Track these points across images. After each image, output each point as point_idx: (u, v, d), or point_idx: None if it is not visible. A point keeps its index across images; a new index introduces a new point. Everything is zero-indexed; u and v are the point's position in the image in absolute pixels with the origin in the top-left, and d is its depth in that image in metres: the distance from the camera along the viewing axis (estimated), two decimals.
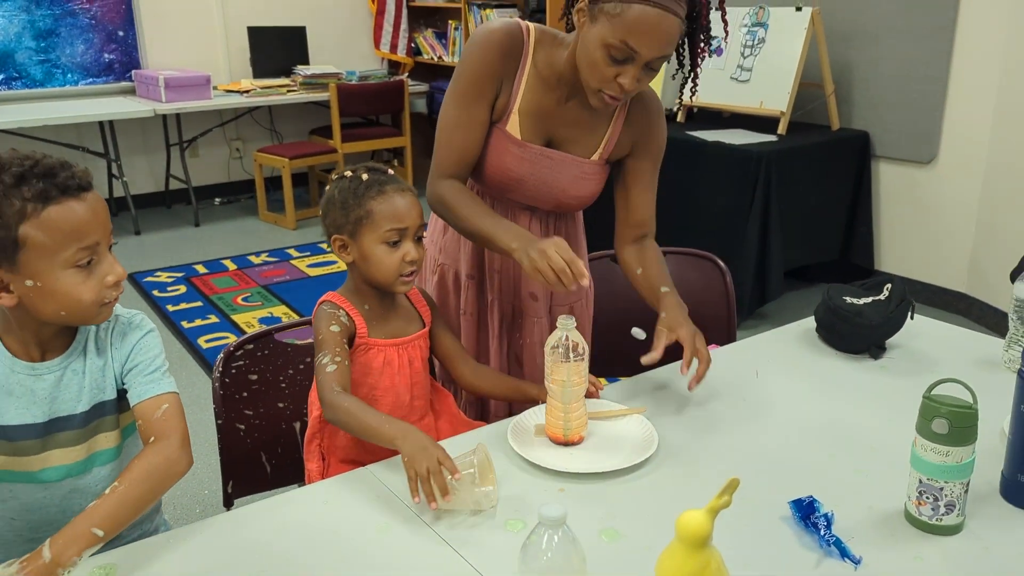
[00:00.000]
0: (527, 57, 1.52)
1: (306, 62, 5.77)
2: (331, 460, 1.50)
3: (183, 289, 4.20)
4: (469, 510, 1.17)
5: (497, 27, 1.50)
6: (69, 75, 5.31)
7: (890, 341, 1.68)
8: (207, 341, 3.58)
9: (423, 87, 6.00)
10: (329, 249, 1.45)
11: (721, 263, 2.09)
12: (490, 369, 1.57)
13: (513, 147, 1.54)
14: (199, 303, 4.01)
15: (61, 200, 1.08)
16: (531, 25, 1.54)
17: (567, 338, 1.29)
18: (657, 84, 4.36)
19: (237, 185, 5.91)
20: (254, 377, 1.61)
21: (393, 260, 1.38)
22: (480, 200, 1.54)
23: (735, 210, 3.59)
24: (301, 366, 1.66)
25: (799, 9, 3.79)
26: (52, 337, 1.19)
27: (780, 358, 1.67)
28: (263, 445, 1.62)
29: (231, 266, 4.53)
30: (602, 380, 1.51)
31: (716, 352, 1.73)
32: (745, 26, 4.00)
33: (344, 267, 1.46)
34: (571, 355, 1.29)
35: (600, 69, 1.37)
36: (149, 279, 4.34)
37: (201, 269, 4.49)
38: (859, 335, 1.64)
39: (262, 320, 3.80)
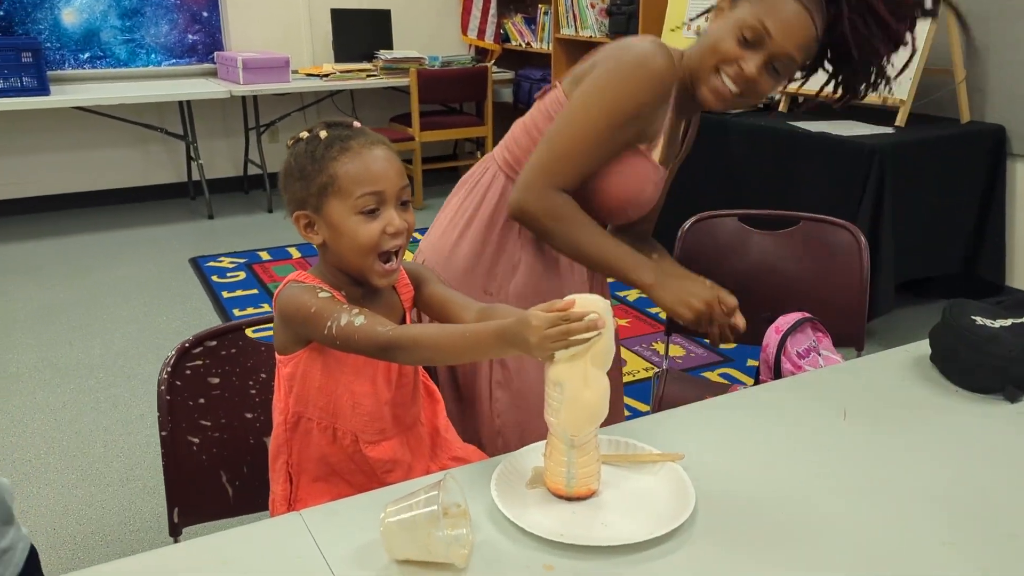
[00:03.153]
0: (675, 85, 1.40)
1: (390, 47, 5.56)
2: (301, 480, 1.21)
3: (242, 276, 4.03)
4: (427, 559, 0.85)
5: (665, 58, 1.34)
6: (153, 55, 5.25)
7: None
8: (253, 332, 3.36)
9: (509, 75, 5.70)
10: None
11: (861, 236, 1.85)
12: (503, 307, 1.20)
13: (655, 174, 1.45)
14: (255, 291, 3.83)
15: None
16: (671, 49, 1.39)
17: None
18: None
19: None
20: (215, 380, 1.33)
21: (371, 232, 1.08)
22: (595, 221, 1.40)
23: (841, 211, 3.11)
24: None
25: None
26: None
27: (880, 393, 1.27)
28: (224, 463, 1.34)
29: (295, 254, 4.34)
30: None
31: (794, 380, 1.36)
32: None
33: None
34: None
35: (726, 46, 1.31)
36: (211, 264, 4.20)
37: (265, 256, 4.32)
38: (991, 368, 1.23)
39: None
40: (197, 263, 4.20)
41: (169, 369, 1.27)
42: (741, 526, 0.95)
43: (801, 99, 3.81)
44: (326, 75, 5.15)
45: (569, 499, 0.98)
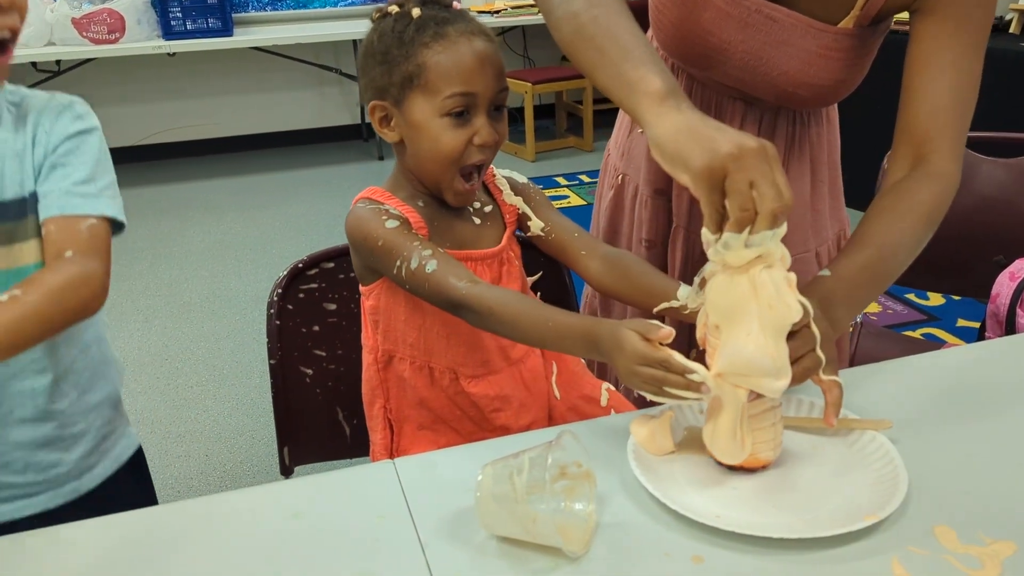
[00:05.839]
0: None
1: None
2: (403, 429, 1.05)
3: None
4: (532, 541, 0.66)
5: None
6: None
7: None
8: None
9: None
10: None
11: None
12: (633, 258, 0.99)
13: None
14: None
15: None
16: None
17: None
18: None
19: None
20: (331, 307, 1.19)
21: (455, 142, 0.91)
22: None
23: None
24: None
25: None
26: None
27: None
28: (340, 398, 1.21)
29: None
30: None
31: None
32: None
33: None
34: None
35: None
36: None
37: None
38: None
39: None
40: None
41: (280, 291, 1.14)
42: (969, 527, 0.69)
43: None
44: (497, 11, 4.99)
45: (733, 470, 0.76)
